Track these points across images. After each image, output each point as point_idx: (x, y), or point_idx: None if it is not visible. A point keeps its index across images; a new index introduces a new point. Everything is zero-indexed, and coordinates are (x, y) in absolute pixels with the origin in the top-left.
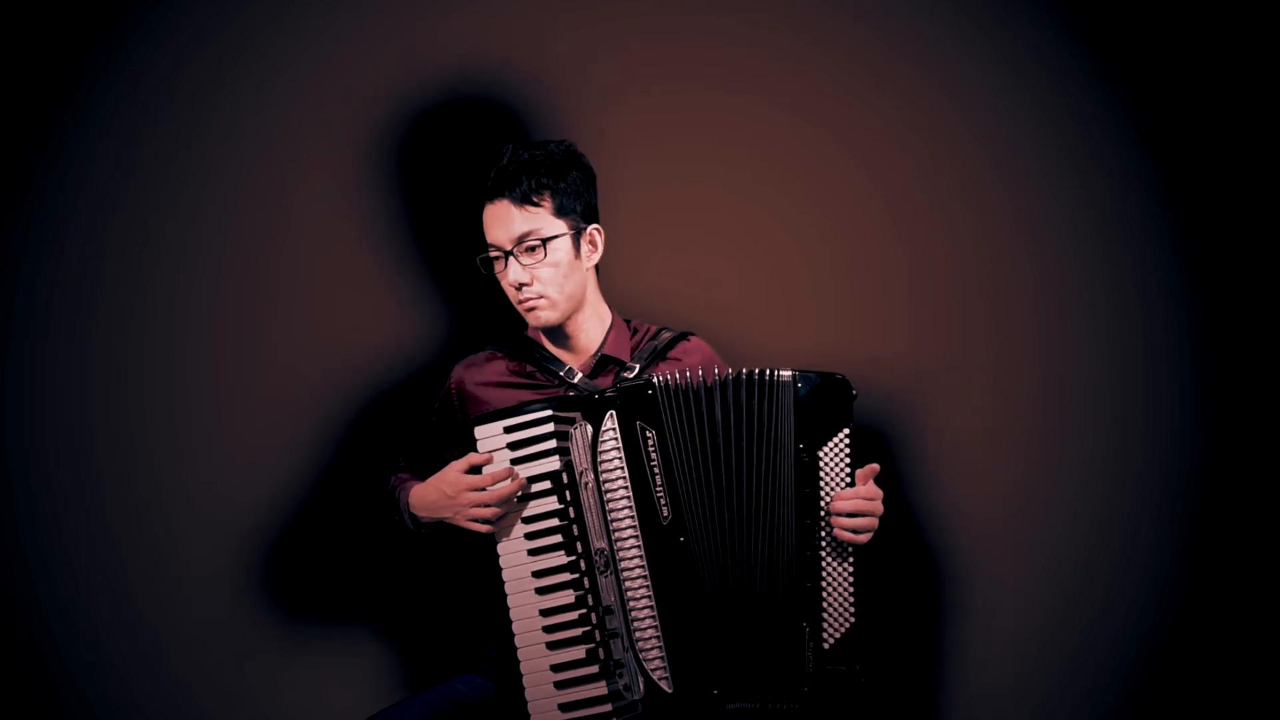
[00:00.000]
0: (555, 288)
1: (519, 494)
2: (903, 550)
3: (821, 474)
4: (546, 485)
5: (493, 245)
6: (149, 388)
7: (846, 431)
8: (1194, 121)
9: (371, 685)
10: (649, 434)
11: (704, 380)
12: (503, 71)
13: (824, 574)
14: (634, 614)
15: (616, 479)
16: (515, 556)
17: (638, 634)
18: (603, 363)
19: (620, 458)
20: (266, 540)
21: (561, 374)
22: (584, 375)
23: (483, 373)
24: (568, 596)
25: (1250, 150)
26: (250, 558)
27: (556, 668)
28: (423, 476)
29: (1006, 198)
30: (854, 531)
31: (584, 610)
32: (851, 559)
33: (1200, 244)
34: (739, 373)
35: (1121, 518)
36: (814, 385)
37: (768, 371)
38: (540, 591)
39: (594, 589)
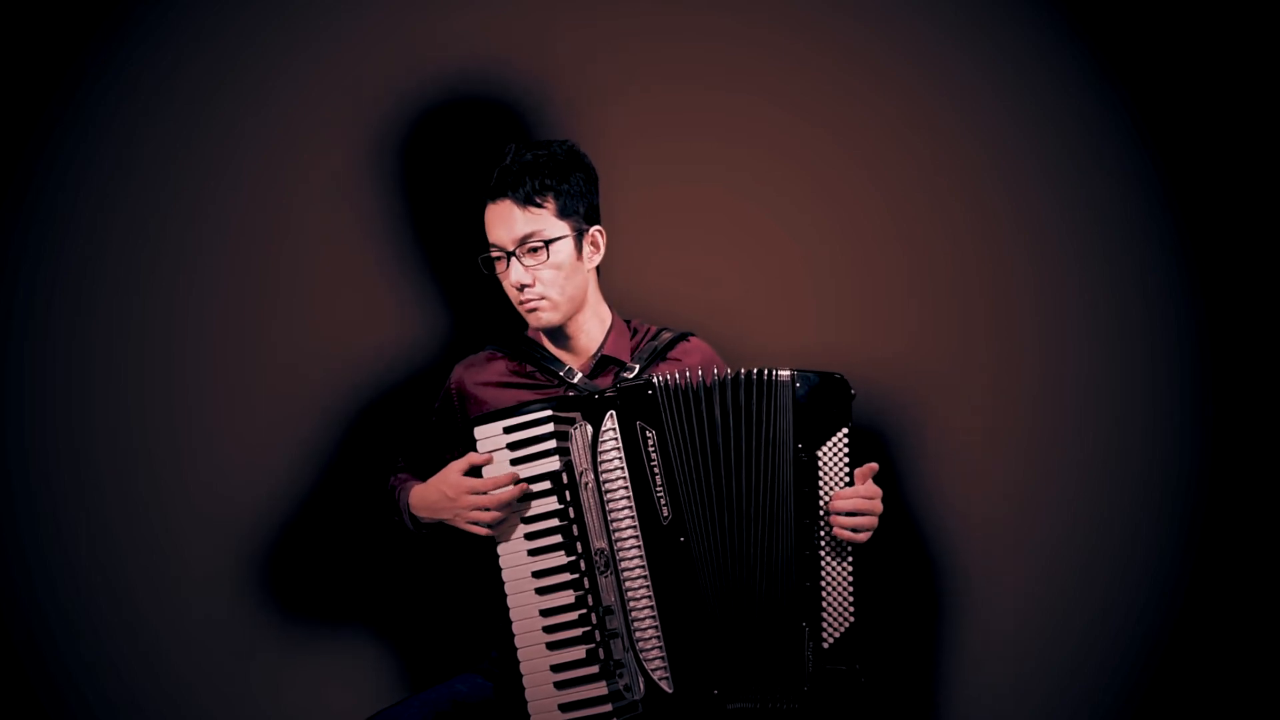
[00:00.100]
0: (557, 289)
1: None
2: (902, 550)
3: (820, 473)
4: (546, 485)
5: (494, 245)
6: (149, 388)
7: (845, 431)
8: (1194, 121)
9: (371, 685)
10: (649, 434)
11: (703, 380)
12: (503, 71)
13: (823, 573)
14: (634, 614)
15: (616, 479)
16: (515, 556)
17: (638, 634)
18: (603, 363)
19: (620, 458)
20: (266, 540)
21: (561, 374)
22: (584, 375)
23: (483, 373)
24: (568, 596)
25: (1250, 150)
26: (250, 558)
27: (556, 668)
28: (422, 477)
29: (1006, 198)
30: (853, 530)
31: (584, 610)
32: (851, 558)
33: (1200, 244)
34: (738, 373)
35: (1121, 518)
36: (813, 385)
37: (766, 371)
38: (540, 591)
39: (594, 589)
